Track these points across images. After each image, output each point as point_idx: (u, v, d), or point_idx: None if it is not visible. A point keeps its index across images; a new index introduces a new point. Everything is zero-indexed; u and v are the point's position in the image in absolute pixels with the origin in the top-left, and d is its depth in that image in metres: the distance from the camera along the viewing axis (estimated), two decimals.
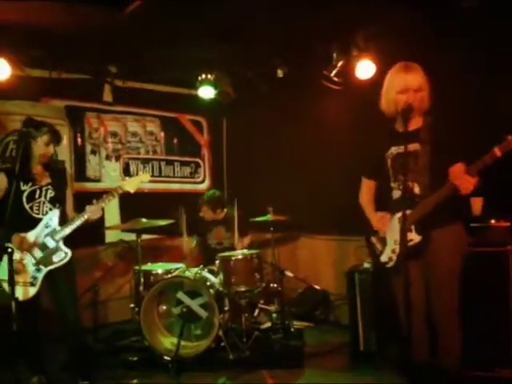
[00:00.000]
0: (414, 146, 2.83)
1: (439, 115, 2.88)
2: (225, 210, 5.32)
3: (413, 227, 2.82)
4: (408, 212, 2.73)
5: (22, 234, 3.34)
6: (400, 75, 2.86)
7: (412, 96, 2.79)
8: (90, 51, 4.95)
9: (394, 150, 2.93)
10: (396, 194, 2.98)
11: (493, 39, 3.88)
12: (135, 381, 3.43)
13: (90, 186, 5.56)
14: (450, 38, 4.07)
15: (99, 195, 3.54)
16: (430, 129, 2.83)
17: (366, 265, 4.20)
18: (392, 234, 2.98)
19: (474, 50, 3.95)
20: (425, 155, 2.80)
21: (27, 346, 3.51)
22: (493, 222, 3.50)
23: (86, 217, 3.41)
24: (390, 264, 2.97)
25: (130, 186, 3.63)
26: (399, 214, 2.89)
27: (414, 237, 2.83)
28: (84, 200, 3.58)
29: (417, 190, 2.85)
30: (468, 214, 3.66)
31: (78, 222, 3.40)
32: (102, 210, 3.54)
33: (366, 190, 3.25)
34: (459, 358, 2.88)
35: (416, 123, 2.89)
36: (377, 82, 3.12)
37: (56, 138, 3.53)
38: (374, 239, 3.12)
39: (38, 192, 3.45)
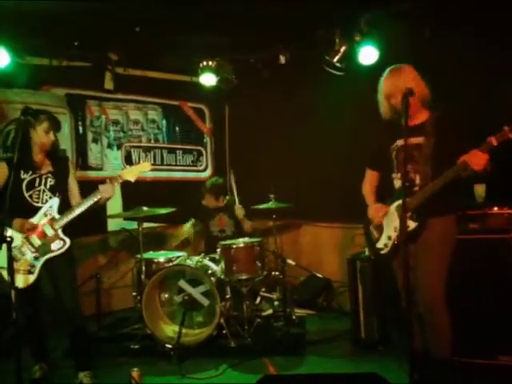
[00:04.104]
0: (418, 139, 2.90)
1: (444, 110, 2.92)
2: (227, 198, 5.30)
3: (409, 214, 2.85)
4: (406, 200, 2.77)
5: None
6: (385, 81, 2.98)
7: (399, 99, 2.78)
8: (90, 39, 4.93)
9: (398, 142, 2.98)
10: (397, 183, 3.05)
11: (497, 30, 3.81)
12: (137, 368, 3.43)
13: (92, 174, 5.55)
14: (454, 26, 4.01)
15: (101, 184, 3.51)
16: (435, 122, 2.89)
17: (368, 252, 4.19)
18: (388, 221, 3.05)
19: (478, 37, 3.89)
20: (428, 147, 2.86)
21: (29, 333, 3.54)
22: (495, 209, 3.47)
23: (99, 196, 3.39)
24: (385, 250, 3.06)
25: (131, 175, 3.60)
26: (397, 203, 2.99)
27: (410, 223, 2.88)
28: (86, 189, 3.57)
29: (418, 180, 2.91)
30: (470, 202, 3.65)
31: (90, 202, 3.37)
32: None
33: (369, 180, 3.31)
34: (449, 345, 2.89)
35: (421, 117, 2.97)
36: (381, 69, 3.11)
37: (55, 125, 3.49)
38: (371, 226, 3.18)
39: (37, 180, 3.43)
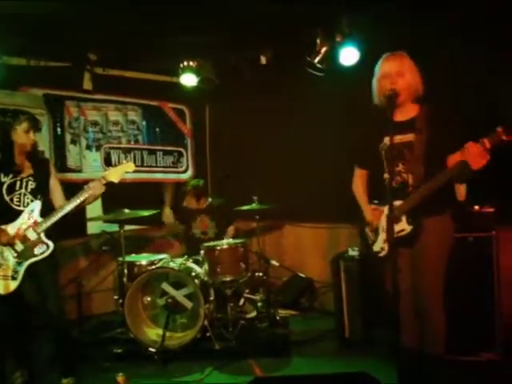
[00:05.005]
0: (408, 137, 2.81)
1: (436, 104, 2.85)
2: (209, 199, 5.28)
3: (404, 217, 2.82)
4: (399, 202, 2.78)
5: (3, 227, 3.27)
6: (382, 64, 2.89)
7: (395, 80, 2.78)
8: (69, 38, 4.84)
9: (387, 140, 2.83)
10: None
11: (490, 24, 3.83)
12: (122, 373, 3.38)
13: (70, 176, 5.44)
14: (441, 25, 4.04)
15: (81, 186, 3.45)
16: (426, 117, 2.80)
17: (351, 252, 4.22)
18: (384, 224, 2.96)
19: (468, 37, 3.92)
20: (420, 144, 2.77)
21: (12, 340, 3.46)
22: (477, 207, 3.52)
23: (86, 195, 3.33)
24: (383, 253, 2.96)
25: (114, 175, 3.53)
26: None
27: (405, 227, 2.83)
28: (65, 191, 3.52)
29: (411, 180, 2.84)
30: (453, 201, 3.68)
31: (77, 201, 3.31)
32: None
33: (359, 179, 3.20)
34: (444, 343, 2.90)
35: (411, 112, 2.88)
36: (364, 69, 3.11)
37: (35, 125, 3.43)
38: (367, 229, 3.08)
39: (18, 183, 3.36)
